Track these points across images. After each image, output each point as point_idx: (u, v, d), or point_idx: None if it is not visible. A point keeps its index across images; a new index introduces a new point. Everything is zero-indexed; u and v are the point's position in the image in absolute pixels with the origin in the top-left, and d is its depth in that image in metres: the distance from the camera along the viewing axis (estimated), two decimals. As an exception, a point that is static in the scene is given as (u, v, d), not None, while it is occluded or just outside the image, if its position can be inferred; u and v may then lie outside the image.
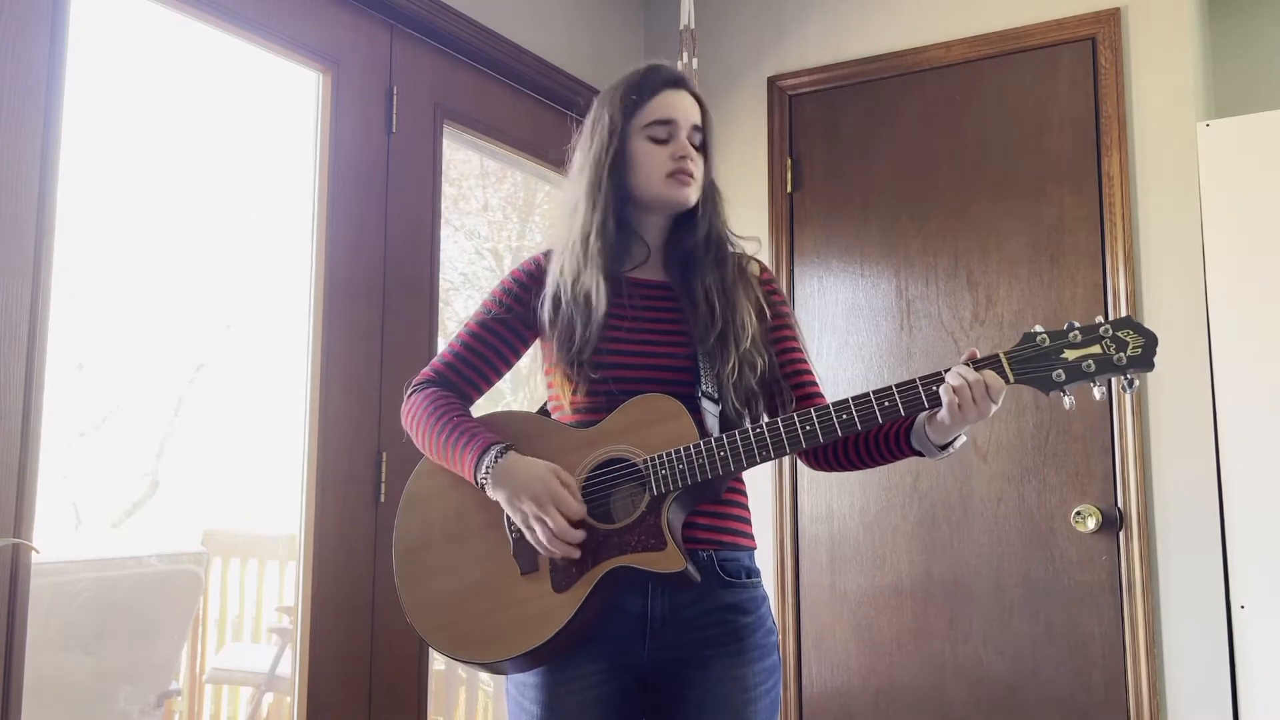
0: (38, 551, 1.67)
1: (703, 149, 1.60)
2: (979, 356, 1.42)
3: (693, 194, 1.58)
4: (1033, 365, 1.40)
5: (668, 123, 1.56)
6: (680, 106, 1.58)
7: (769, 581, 2.88)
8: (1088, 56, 2.71)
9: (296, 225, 2.29)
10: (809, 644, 2.89)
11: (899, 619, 2.78)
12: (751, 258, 1.67)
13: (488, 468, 1.43)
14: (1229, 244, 2.46)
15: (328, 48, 2.30)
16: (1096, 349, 1.38)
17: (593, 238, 1.54)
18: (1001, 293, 2.76)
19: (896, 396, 1.42)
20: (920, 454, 1.52)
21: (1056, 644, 2.60)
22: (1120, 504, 2.56)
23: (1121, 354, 1.38)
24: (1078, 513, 2.59)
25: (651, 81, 1.58)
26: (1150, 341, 1.38)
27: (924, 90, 2.91)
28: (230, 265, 2.87)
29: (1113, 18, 2.67)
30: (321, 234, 2.26)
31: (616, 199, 1.56)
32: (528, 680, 1.49)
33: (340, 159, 2.30)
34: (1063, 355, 1.39)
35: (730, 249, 1.63)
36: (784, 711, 2.88)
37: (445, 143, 2.60)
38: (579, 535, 1.41)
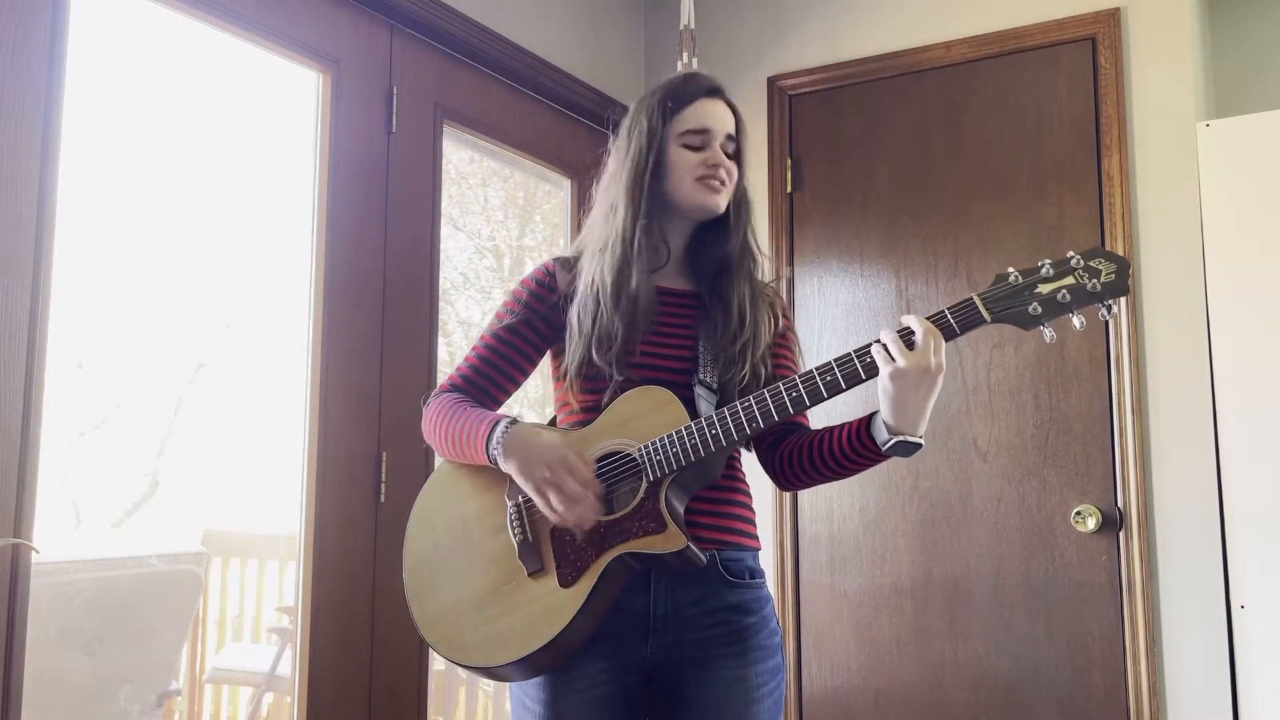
0: (38, 551, 1.67)
1: (736, 158, 1.62)
2: (933, 313, 1.41)
3: (723, 201, 1.59)
4: (1008, 302, 1.40)
5: (703, 131, 1.58)
6: (716, 115, 1.61)
7: (769, 581, 2.88)
8: (1088, 56, 2.71)
9: (296, 225, 2.29)
10: (809, 644, 2.89)
11: (899, 619, 2.78)
12: (767, 283, 1.70)
13: (498, 440, 1.44)
14: (1229, 244, 2.46)
15: (328, 48, 2.30)
16: (1070, 280, 1.38)
17: (635, 239, 1.55)
18: (1001, 293, 2.76)
19: (872, 350, 1.40)
20: (878, 452, 1.47)
21: (1056, 644, 2.59)
22: (1120, 504, 2.56)
23: (1095, 281, 1.37)
24: (1078, 513, 2.59)
25: (690, 89, 1.61)
26: (1122, 266, 1.37)
27: (924, 90, 2.91)
28: (230, 265, 2.87)
29: (1113, 18, 2.67)
30: (321, 234, 2.26)
31: (653, 202, 1.57)
32: (531, 679, 1.49)
33: (340, 159, 2.30)
34: (1037, 290, 1.39)
35: (758, 267, 1.65)
36: (785, 711, 2.87)
37: (445, 143, 2.60)
38: (595, 503, 1.41)
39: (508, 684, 1.56)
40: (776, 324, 1.65)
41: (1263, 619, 2.34)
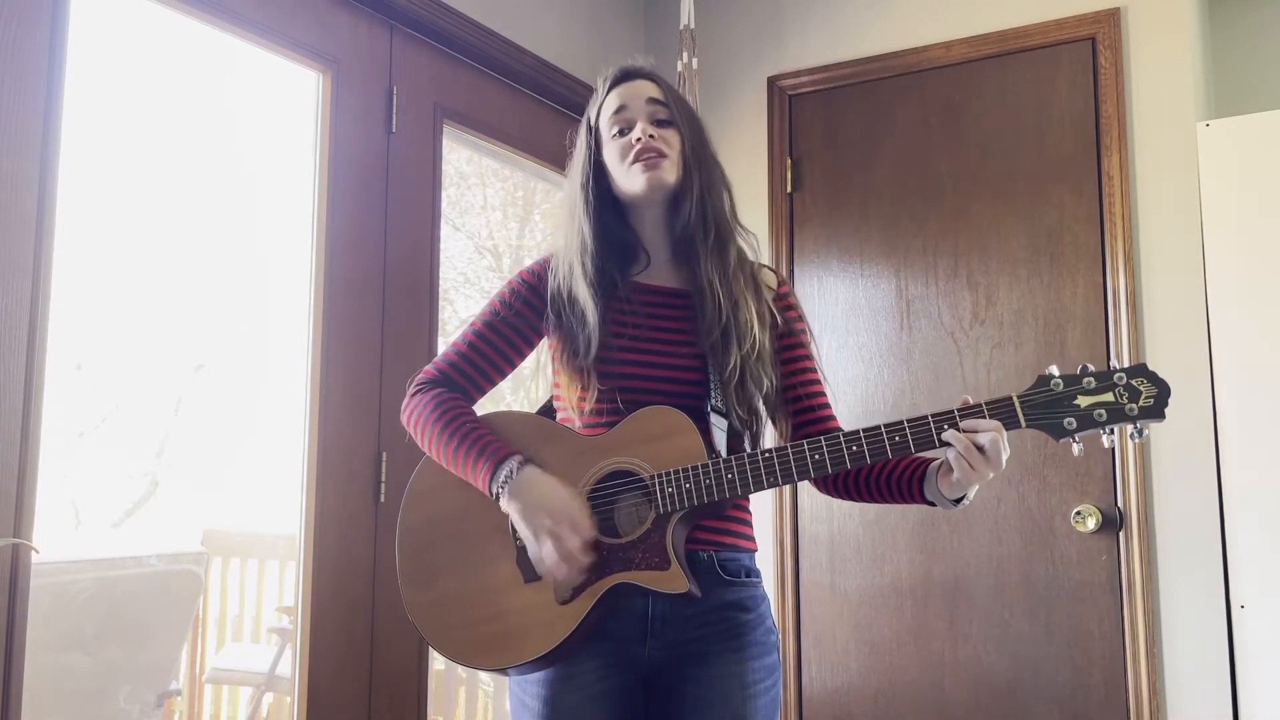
0: (38, 551, 1.67)
1: (673, 123, 1.56)
2: (972, 404, 1.39)
3: (667, 173, 1.53)
4: (1045, 411, 1.38)
5: (620, 110, 1.55)
6: (629, 93, 1.56)
7: (769, 581, 2.88)
8: (1088, 56, 2.71)
9: (296, 225, 2.29)
10: (809, 644, 2.89)
11: (899, 619, 2.78)
12: (769, 268, 1.65)
13: (505, 479, 1.42)
14: (1229, 244, 2.46)
15: (328, 48, 2.30)
16: (1109, 397, 1.36)
17: (582, 246, 1.54)
18: (1001, 293, 2.76)
19: (908, 432, 1.39)
20: (932, 504, 1.50)
21: (1056, 644, 2.59)
22: (1120, 504, 2.56)
23: (1134, 404, 1.36)
24: (1078, 513, 2.59)
25: (608, 85, 1.59)
26: (1163, 392, 1.36)
27: (924, 90, 2.91)
28: (230, 265, 2.87)
29: (1113, 18, 2.67)
30: (321, 234, 2.26)
31: (601, 205, 1.55)
32: (530, 676, 1.49)
33: (340, 159, 2.30)
34: (1075, 402, 1.37)
35: (739, 238, 1.60)
36: (784, 711, 2.88)
37: (445, 143, 2.60)
38: (588, 561, 1.40)
39: (508, 680, 1.56)
40: (777, 319, 1.59)
41: (1263, 619, 2.34)
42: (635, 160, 1.52)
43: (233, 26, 2.13)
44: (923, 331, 2.84)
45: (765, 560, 2.88)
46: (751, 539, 1.58)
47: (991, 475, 1.38)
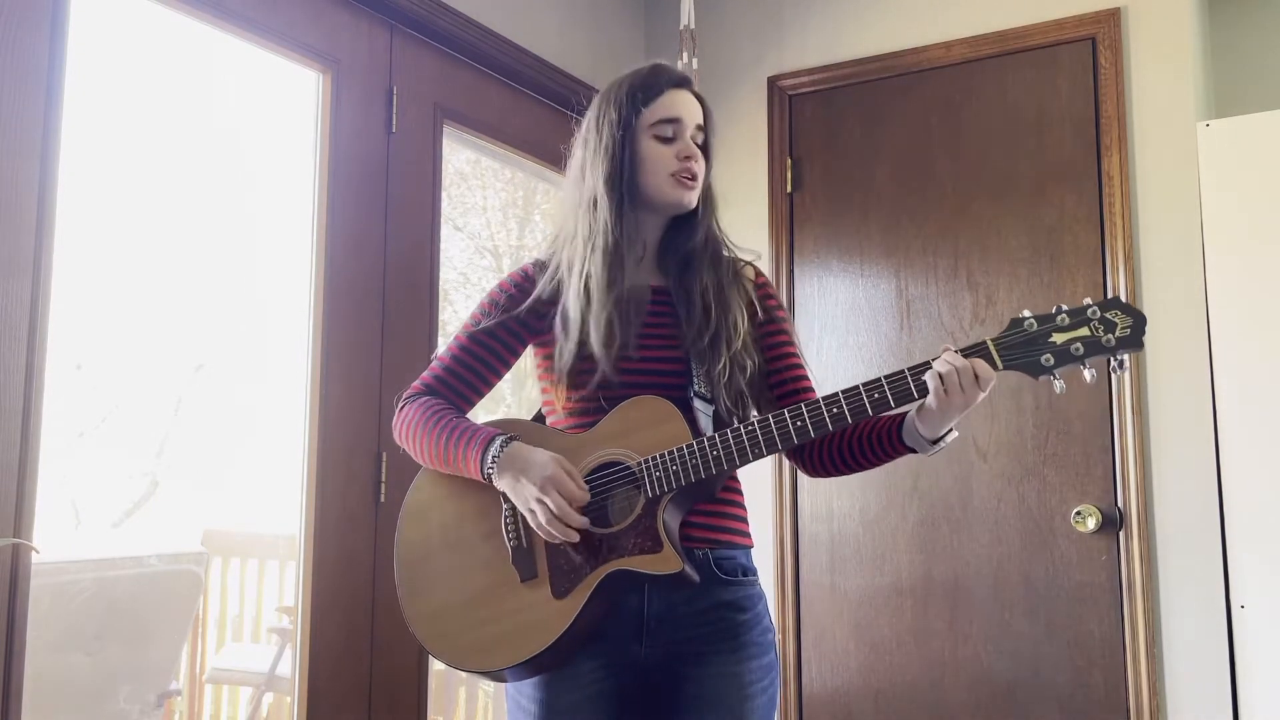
0: (38, 551, 1.67)
1: (705, 150, 1.61)
2: (960, 348, 1.42)
3: (694, 196, 1.58)
4: (1020, 350, 1.40)
5: (674, 121, 1.56)
6: (686, 106, 1.59)
7: (769, 581, 2.88)
8: (1088, 56, 2.71)
9: (297, 225, 2.29)
10: (809, 644, 2.89)
11: (899, 619, 2.78)
12: (747, 263, 1.67)
13: (494, 456, 1.44)
14: (1229, 244, 2.46)
15: (328, 48, 2.30)
16: (1084, 331, 1.37)
17: (621, 232, 1.54)
18: (1001, 293, 2.76)
19: (885, 388, 1.41)
20: (914, 450, 1.51)
21: (1056, 644, 2.59)
22: (1120, 504, 2.56)
23: (1110, 335, 1.36)
24: (1078, 513, 2.59)
25: (658, 80, 1.59)
26: (1138, 321, 1.36)
27: (924, 90, 2.91)
28: (230, 265, 2.87)
29: (1113, 18, 2.67)
30: (321, 234, 2.26)
31: (631, 192, 1.56)
32: (526, 679, 1.49)
33: (340, 159, 2.30)
34: (1050, 339, 1.39)
35: (726, 252, 1.64)
36: (784, 711, 2.88)
37: (445, 143, 2.60)
38: (581, 520, 1.41)
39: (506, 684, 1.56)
40: (757, 309, 1.62)
41: (1263, 619, 2.34)
42: (675, 175, 1.55)
43: (233, 27, 2.13)
44: (923, 331, 2.84)
45: (765, 560, 2.88)
46: (747, 535, 1.59)
47: (964, 407, 1.41)
